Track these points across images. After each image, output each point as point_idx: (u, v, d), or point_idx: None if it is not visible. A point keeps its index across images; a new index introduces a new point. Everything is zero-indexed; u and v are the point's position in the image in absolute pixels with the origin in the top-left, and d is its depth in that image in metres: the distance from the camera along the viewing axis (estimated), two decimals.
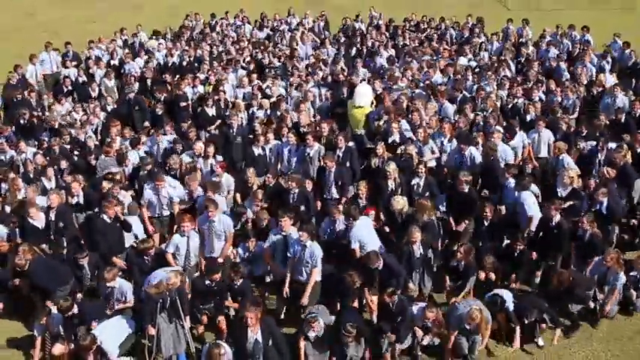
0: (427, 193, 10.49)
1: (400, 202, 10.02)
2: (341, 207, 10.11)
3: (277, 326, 8.34)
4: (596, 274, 9.33)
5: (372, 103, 13.65)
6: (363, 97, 13.53)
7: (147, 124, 14.18)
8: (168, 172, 11.30)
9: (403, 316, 8.46)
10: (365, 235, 9.44)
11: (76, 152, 12.87)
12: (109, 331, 8.35)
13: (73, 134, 13.51)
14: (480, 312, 8.43)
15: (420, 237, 9.19)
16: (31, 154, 12.50)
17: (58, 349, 8.50)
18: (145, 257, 9.29)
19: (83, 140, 13.21)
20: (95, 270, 9.33)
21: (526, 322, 8.89)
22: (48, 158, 12.27)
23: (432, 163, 11.70)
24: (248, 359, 7.85)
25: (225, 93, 14.80)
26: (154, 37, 20.86)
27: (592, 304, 9.44)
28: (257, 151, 11.97)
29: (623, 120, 12.81)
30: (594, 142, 11.75)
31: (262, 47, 18.89)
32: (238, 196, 11.09)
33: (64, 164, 11.92)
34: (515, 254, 9.58)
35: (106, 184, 10.87)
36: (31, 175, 11.75)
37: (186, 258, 9.36)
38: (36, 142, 13.50)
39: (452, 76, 15.54)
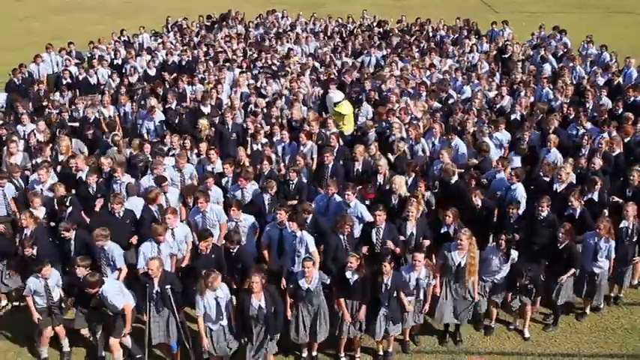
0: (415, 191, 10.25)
1: (399, 181, 9.79)
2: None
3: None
4: (588, 247, 9.02)
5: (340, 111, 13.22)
6: (330, 105, 13.41)
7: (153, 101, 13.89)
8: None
9: (401, 289, 8.11)
10: (364, 209, 9.42)
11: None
12: (112, 285, 8.13)
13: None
14: (469, 232, 8.26)
15: (416, 214, 8.99)
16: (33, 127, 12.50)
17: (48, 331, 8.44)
18: (152, 208, 9.22)
19: (83, 114, 13.09)
20: (83, 247, 8.92)
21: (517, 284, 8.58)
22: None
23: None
24: (251, 323, 7.77)
25: (218, 93, 14.57)
26: (152, 37, 20.66)
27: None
28: (254, 146, 11.76)
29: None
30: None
31: (260, 48, 18.73)
32: None
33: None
34: (511, 220, 9.27)
35: (104, 161, 10.70)
36: (33, 150, 11.64)
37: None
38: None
39: (440, 75, 15.39)
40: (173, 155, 11.19)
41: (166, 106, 13.77)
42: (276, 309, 7.78)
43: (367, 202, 9.86)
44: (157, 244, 8.67)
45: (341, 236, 8.73)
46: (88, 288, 7.86)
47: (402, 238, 9.05)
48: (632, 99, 13.63)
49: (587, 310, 9.48)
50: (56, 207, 9.71)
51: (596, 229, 8.82)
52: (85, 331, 8.65)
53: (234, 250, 8.60)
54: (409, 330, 8.80)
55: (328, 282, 8.45)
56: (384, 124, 12.45)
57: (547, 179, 10.31)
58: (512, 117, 12.99)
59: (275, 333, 7.90)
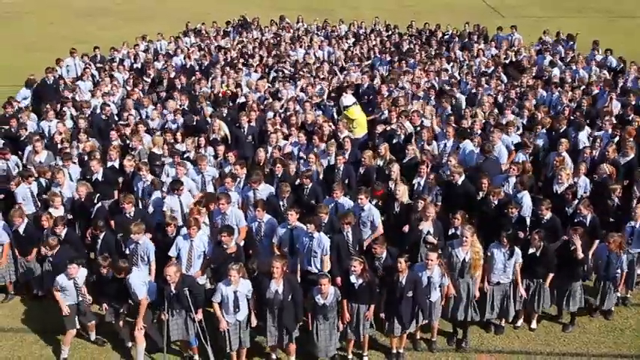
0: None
1: (402, 189, 9.60)
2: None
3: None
4: (600, 259, 8.87)
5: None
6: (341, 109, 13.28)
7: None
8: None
9: (415, 288, 7.86)
10: (377, 214, 9.29)
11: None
12: (139, 276, 8.21)
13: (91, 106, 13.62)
14: (473, 228, 8.20)
15: (434, 214, 8.82)
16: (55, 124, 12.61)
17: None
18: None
19: (99, 111, 13.28)
20: (106, 249, 8.86)
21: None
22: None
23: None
24: (266, 307, 7.74)
25: (237, 96, 14.42)
26: (171, 42, 20.62)
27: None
28: (269, 149, 11.51)
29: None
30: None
31: (276, 53, 18.59)
32: None
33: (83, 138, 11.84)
34: (512, 221, 9.11)
35: (127, 163, 10.63)
36: (59, 147, 11.69)
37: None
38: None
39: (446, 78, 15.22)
40: (188, 158, 11.08)
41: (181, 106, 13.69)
42: (294, 296, 7.73)
43: (375, 201, 9.71)
44: (190, 240, 8.66)
45: (344, 233, 8.62)
46: (117, 272, 7.97)
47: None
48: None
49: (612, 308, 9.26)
50: (77, 206, 9.76)
51: (607, 243, 8.64)
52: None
53: None
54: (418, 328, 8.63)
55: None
56: (394, 126, 12.22)
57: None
58: (519, 120, 12.72)
59: (291, 321, 7.81)
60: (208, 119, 12.88)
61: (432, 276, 8.04)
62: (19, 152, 11.96)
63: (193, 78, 16.09)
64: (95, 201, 9.75)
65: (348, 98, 13.24)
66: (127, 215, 9.31)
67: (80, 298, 8.42)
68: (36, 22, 31.28)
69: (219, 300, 7.76)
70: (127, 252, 8.82)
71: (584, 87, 14.67)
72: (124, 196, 9.43)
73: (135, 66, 18.24)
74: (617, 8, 31.33)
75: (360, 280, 7.81)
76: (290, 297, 7.72)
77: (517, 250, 8.40)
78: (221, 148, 11.27)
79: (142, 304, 8.08)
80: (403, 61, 17.11)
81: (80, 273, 8.36)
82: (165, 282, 7.84)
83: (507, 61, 17.49)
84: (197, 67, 17.72)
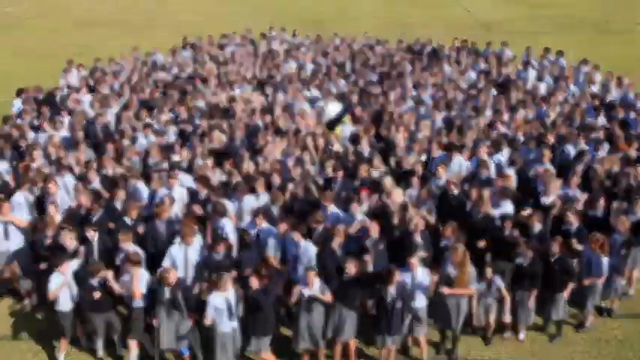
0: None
1: (399, 194, 9.61)
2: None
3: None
4: (583, 261, 8.85)
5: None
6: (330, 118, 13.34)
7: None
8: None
9: (404, 296, 7.93)
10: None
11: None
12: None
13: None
14: (463, 247, 8.19)
15: (422, 226, 8.82)
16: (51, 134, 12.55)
17: None
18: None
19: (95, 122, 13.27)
20: (102, 250, 8.83)
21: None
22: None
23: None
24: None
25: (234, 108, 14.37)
26: (168, 56, 20.57)
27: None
28: (260, 160, 11.45)
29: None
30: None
31: (269, 64, 18.58)
32: None
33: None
34: (506, 233, 9.06)
35: (119, 170, 10.63)
36: (53, 157, 11.64)
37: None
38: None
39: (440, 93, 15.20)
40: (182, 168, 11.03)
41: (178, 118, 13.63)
42: (260, 307, 7.68)
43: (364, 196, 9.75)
44: (184, 248, 8.59)
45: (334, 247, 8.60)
46: (129, 262, 8.00)
47: None
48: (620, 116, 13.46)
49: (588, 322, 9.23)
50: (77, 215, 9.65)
51: (591, 244, 8.63)
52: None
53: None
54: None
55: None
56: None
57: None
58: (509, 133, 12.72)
59: (253, 329, 7.81)
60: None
61: (414, 277, 8.08)
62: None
63: (190, 90, 16.03)
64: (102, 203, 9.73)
65: (337, 107, 13.24)
66: (128, 222, 9.25)
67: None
68: (37, 31, 31.18)
69: (212, 312, 7.70)
70: (118, 262, 8.72)
71: (569, 101, 14.71)
72: (130, 205, 9.41)
73: (133, 78, 18.13)
74: (605, 25, 31.53)
75: (351, 277, 7.97)
76: (256, 308, 7.71)
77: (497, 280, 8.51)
78: (209, 161, 11.18)
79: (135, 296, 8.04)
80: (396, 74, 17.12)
81: (70, 267, 8.25)
82: (160, 283, 7.82)
83: (497, 76, 17.47)
84: (193, 79, 17.64)
